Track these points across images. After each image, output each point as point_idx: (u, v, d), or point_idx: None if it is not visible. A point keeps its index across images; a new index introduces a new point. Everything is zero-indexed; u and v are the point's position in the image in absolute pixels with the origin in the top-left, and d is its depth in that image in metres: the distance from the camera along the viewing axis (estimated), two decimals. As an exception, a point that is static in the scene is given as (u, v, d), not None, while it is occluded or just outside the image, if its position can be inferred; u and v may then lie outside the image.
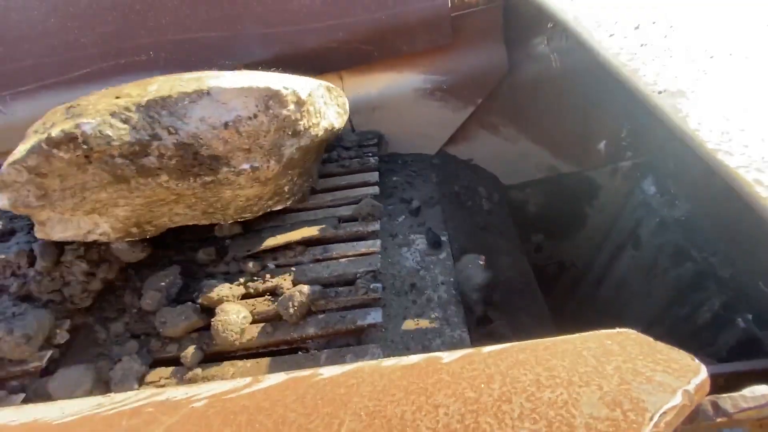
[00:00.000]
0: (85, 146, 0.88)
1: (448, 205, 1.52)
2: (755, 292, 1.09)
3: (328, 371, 0.42)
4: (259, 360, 0.98)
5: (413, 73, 1.58)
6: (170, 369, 0.98)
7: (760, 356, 1.09)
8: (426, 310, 1.12)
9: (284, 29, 1.47)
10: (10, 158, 0.90)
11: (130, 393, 0.57)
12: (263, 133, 1.01)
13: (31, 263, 1.04)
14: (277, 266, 1.19)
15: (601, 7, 0.91)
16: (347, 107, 1.29)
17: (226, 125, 0.97)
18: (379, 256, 1.19)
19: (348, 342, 1.03)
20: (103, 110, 0.92)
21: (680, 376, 0.30)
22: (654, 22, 0.78)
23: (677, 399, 0.29)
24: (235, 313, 1.00)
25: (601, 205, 1.82)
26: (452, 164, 1.76)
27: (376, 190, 1.41)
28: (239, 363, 0.98)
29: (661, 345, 0.35)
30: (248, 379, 0.49)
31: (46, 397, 0.94)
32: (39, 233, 0.99)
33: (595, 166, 1.72)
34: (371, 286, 1.08)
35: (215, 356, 1.02)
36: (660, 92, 0.59)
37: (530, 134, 1.71)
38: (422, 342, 1.06)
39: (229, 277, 1.16)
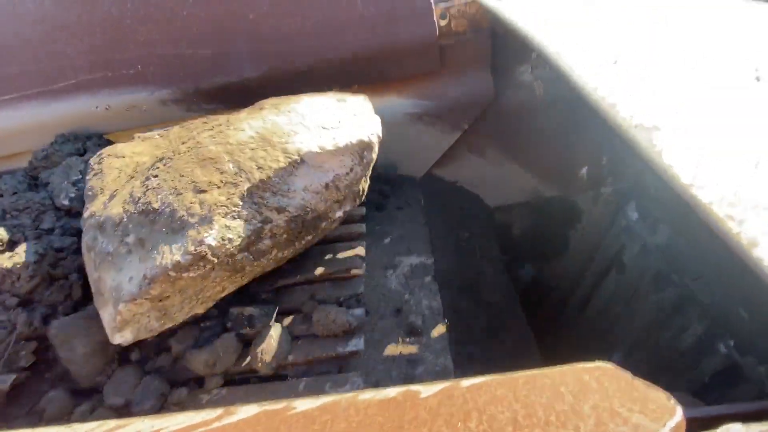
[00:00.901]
0: (213, 258, 0.83)
1: (434, 227, 1.52)
2: (735, 317, 1.11)
3: (303, 404, 0.40)
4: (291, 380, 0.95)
5: (402, 98, 1.61)
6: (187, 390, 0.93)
7: (741, 382, 1.10)
8: (410, 335, 1.10)
9: (275, 48, 1.49)
10: (122, 296, 0.80)
11: (94, 424, 0.53)
12: (356, 181, 1.03)
13: (32, 277, 0.97)
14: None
15: (581, 41, 0.94)
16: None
17: (326, 186, 0.96)
18: (363, 279, 1.18)
19: (329, 369, 1.00)
20: (210, 215, 0.85)
21: (656, 417, 0.30)
22: (631, 58, 0.82)
23: (653, 442, 0.29)
24: (276, 337, 0.96)
25: (583, 229, 1.85)
26: (439, 186, 1.77)
27: (362, 211, 1.41)
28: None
29: (638, 382, 0.34)
30: (219, 411, 0.47)
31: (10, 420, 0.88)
32: (142, 335, 0.87)
33: (577, 191, 1.76)
34: (353, 312, 1.06)
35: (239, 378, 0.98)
36: (635, 126, 0.61)
37: (515, 158, 1.74)
38: (405, 371, 1.03)
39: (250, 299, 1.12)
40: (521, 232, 1.91)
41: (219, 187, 0.88)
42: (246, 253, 0.89)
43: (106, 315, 0.83)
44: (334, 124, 1.02)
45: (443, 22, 1.50)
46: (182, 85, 1.53)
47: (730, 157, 0.56)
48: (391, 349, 1.05)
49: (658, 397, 0.32)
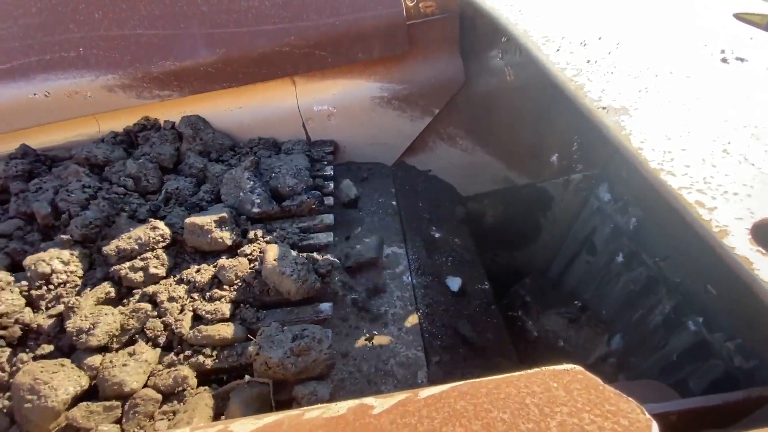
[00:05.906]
0: None
1: (407, 216, 1.48)
2: (703, 295, 1.12)
3: (241, 427, 0.35)
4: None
5: (370, 81, 1.54)
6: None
7: (709, 359, 1.12)
8: (380, 327, 1.07)
9: (231, 30, 1.38)
10: None
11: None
12: None
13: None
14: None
15: (551, 22, 0.91)
16: None
17: None
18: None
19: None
20: None
21: (630, 436, 0.27)
22: (600, 38, 0.79)
23: (627, 466, 0.26)
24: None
25: (554, 216, 1.86)
26: (411, 175, 1.73)
27: (330, 201, 1.35)
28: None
29: (609, 391, 0.31)
30: (151, 435, 0.41)
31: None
32: None
33: (548, 178, 1.75)
34: (319, 307, 1.01)
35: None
36: (604, 108, 0.58)
37: (486, 146, 1.72)
38: (376, 364, 1.00)
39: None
40: (494, 220, 1.90)
41: None
42: None
43: None
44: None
45: (411, 4, 1.44)
46: (130, 69, 1.41)
47: (700, 141, 0.54)
48: (361, 343, 1.01)
49: (632, 409, 0.29)
